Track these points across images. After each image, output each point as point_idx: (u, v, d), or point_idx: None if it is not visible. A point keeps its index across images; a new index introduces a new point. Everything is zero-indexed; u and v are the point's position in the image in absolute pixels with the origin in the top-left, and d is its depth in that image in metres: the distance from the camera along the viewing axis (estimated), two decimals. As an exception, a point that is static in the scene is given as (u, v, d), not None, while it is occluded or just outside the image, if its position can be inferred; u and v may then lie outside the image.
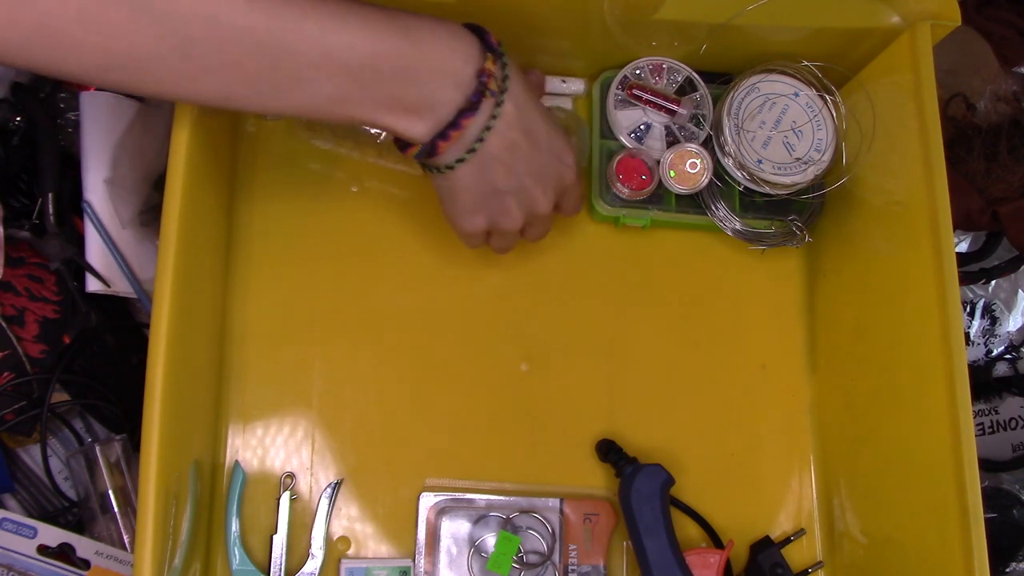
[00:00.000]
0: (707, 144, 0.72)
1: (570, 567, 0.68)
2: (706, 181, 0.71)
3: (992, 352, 0.87)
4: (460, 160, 0.56)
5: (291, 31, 0.48)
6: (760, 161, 0.70)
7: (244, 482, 0.66)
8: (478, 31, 0.56)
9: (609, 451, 0.69)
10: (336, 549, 0.67)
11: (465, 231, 0.63)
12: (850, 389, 0.70)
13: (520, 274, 0.73)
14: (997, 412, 0.85)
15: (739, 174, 0.71)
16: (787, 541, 0.70)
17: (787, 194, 0.71)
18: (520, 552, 0.68)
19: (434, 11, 0.56)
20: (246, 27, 0.47)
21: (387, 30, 0.51)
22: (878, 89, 0.67)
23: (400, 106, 0.53)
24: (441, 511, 0.68)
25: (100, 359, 0.73)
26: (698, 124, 0.73)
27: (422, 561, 0.67)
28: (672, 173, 0.71)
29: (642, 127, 0.73)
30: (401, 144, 0.57)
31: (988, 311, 0.86)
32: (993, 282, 0.86)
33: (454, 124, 0.54)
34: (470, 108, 0.54)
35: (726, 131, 0.70)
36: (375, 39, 0.51)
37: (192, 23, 0.46)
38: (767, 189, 0.71)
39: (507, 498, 0.68)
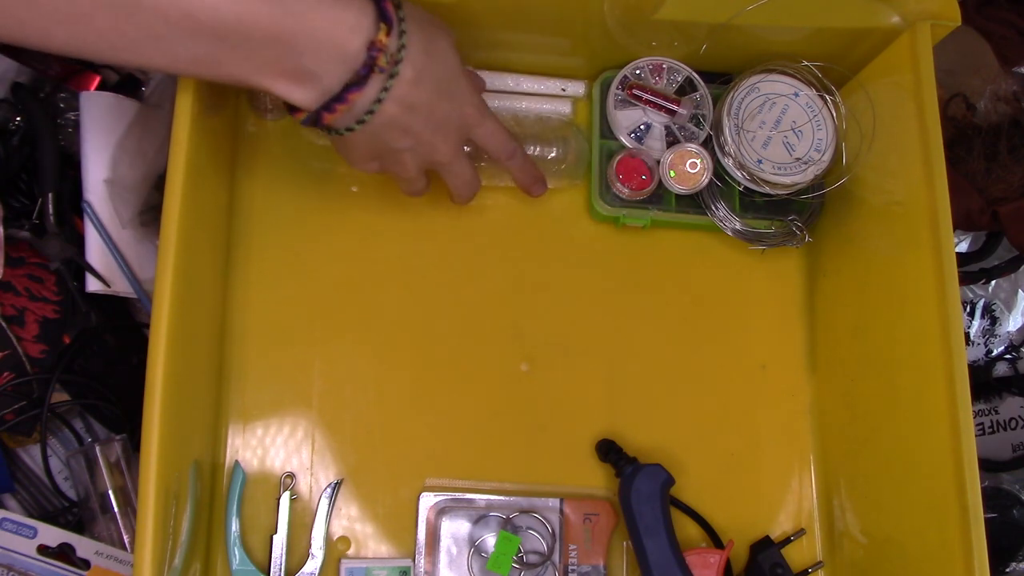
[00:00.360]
0: (707, 144, 0.72)
1: (570, 567, 0.68)
2: (706, 181, 0.71)
3: (992, 352, 0.87)
4: (350, 129, 0.54)
5: None
6: (760, 161, 0.70)
7: (244, 482, 0.66)
8: None
9: (609, 451, 0.69)
10: (336, 549, 0.67)
11: (357, 169, 0.61)
12: (850, 389, 0.70)
13: (520, 274, 0.73)
14: (997, 412, 0.85)
15: (739, 174, 0.71)
16: (787, 541, 0.70)
17: (787, 194, 0.71)
18: (520, 552, 0.68)
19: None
20: None
21: None
22: (878, 89, 0.67)
23: (279, 72, 0.50)
24: (441, 511, 0.68)
25: (100, 359, 0.73)
26: (698, 124, 0.73)
27: (422, 561, 0.67)
28: (672, 173, 0.71)
29: (642, 127, 0.73)
30: (289, 107, 0.54)
31: (988, 311, 0.86)
32: (993, 282, 0.86)
33: (340, 98, 0.52)
34: (357, 83, 0.52)
35: (726, 131, 0.70)
36: (240, 2, 0.48)
37: None
38: (767, 189, 0.71)
39: (507, 498, 0.68)
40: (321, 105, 0.52)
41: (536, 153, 0.71)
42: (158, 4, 0.46)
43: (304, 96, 0.52)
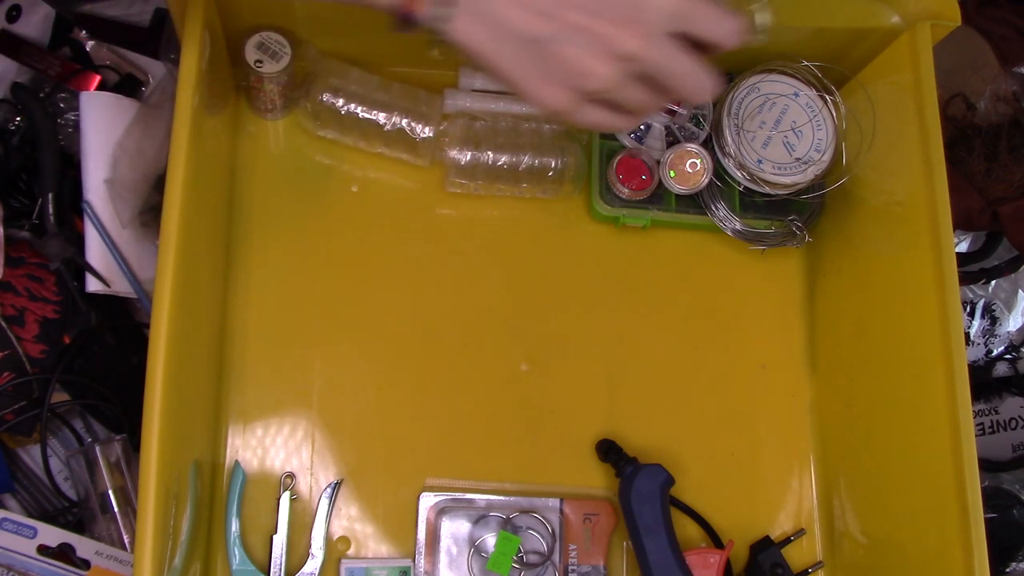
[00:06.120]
0: (707, 144, 0.72)
1: (570, 567, 0.68)
2: (706, 181, 0.71)
3: (992, 352, 0.87)
4: (445, 12, 0.46)
5: None
6: (760, 161, 0.70)
7: (244, 482, 0.66)
8: None
9: (609, 451, 0.69)
10: (336, 549, 0.67)
11: (549, 107, 0.49)
12: (850, 389, 0.70)
13: (520, 274, 0.73)
14: (997, 412, 0.85)
15: (739, 174, 0.71)
16: (787, 541, 0.70)
17: (787, 194, 0.71)
18: (520, 552, 0.68)
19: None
20: None
21: None
22: (878, 89, 0.67)
23: None
24: (441, 511, 0.68)
25: (100, 359, 0.73)
26: (698, 124, 0.73)
27: (422, 561, 0.67)
28: (672, 173, 0.71)
29: (642, 127, 0.73)
30: (397, 24, 0.47)
31: (988, 311, 0.86)
32: (993, 282, 0.86)
33: None
34: None
35: (726, 131, 0.70)
36: None
37: None
38: (767, 189, 0.71)
39: (507, 498, 0.68)
40: None
41: (534, 164, 0.71)
42: None
43: None
